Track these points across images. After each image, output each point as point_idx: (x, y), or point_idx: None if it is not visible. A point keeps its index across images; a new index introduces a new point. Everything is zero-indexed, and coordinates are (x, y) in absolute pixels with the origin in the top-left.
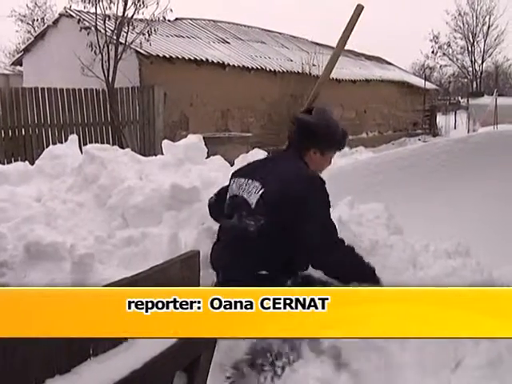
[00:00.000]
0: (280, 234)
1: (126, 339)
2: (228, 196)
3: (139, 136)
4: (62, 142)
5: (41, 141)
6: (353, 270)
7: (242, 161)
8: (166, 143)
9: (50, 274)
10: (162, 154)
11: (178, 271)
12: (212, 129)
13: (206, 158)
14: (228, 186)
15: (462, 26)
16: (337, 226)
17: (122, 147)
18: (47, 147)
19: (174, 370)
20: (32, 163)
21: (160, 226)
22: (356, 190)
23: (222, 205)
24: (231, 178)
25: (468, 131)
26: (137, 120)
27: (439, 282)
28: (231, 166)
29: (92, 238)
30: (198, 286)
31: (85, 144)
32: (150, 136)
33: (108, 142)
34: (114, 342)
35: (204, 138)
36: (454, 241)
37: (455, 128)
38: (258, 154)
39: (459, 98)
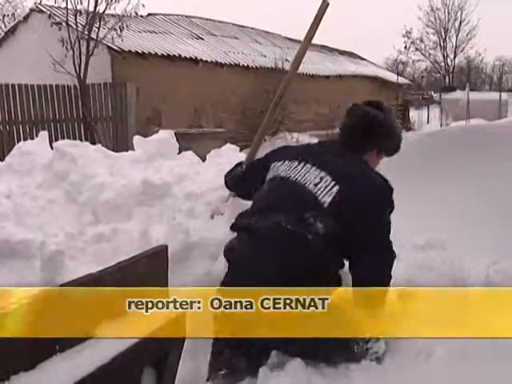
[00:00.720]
0: (343, 243)
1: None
2: (272, 176)
3: (112, 132)
4: (33, 139)
5: (12, 138)
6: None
7: (214, 155)
8: (137, 139)
9: (20, 272)
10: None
11: (146, 266)
12: (185, 124)
13: (179, 153)
14: (265, 161)
15: (434, 21)
16: None
17: (95, 143)
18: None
19: (142, 366)
20: (2, 160)
21: (131, 221)
22: None
23: (250, 183)
24: (276, 157)
25: (441, 125)
26: (109, 116)
27: (411, 275)
28: (203, 161)
29: (62, 235)
30: (166, 281)
31: (57, 140)
32: (122, 132)
33: (80, 138)
34: (80, 339)
35: (176, 133)
36: (427, 234)
37: (428, 122)
38: (231, 150)
39: (432, 92)
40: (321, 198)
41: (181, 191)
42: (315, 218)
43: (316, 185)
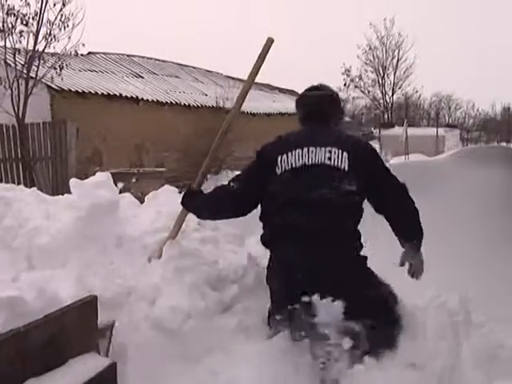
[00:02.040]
0: (370, 191)
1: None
2: (289, 167)
3: (51, 172)
4: None
5: None
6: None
7: (152, 198)
8: (73, 182)
9: None
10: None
11: (74, 318)
12: (126, 164)
13: (121, 193)
14: (259, 166)
15: (372, 59)
16: (246, 262)
17: (34, 184)
18: None
19: None
20: None
21: (66, 267)
22: None
23: (250, 192)
24: (277, 154)
25: None
26: (48, 156)
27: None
28: (141, 203)
29: None
30: (96, 333)
31: None
32: (62, 172)
33: (18, 179)
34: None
35: (117, 173)
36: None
37: None
38: (169, 191)
39: (372, 128)
40: (339, 165)
41: (117, 234)
42: (343, 181)
43: (329, 158)
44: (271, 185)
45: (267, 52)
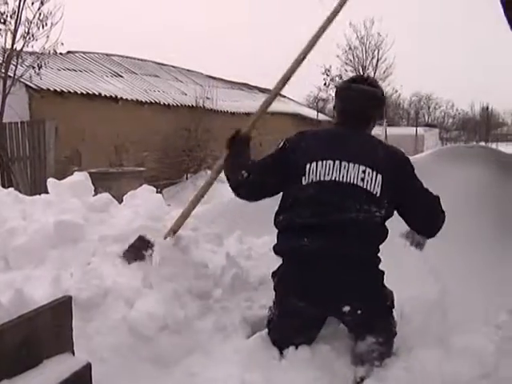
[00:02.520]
0: (401, 209)
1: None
2: (317, 179)
3: (30, 172)
4: None
5: None
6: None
7: (130, 198)
8: (51, 182)
9: None
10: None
11: (48, 319)
12: (105, 164)
13: (97, 193)
14: (285, 158)
15: (352, 59)
16: (225, 261)
17: (11, 184)
18: None
19: None
20: None
21: (43, 266)
22: (248, 222)
23: (265, 181)
24: (306, 160)
25: None
26: (27, 156)
27: None
28: (119, 202)
29: None
30: (71, 333)
31: None
32: (41, 172)
33: None
34: None
35: (96, 173)
36: None
37: None
38: (147, 191)
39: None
40: (372, 189)
41: (95, 235)
42: (373, 205)
43: (363, 179)
44: (293, 192)
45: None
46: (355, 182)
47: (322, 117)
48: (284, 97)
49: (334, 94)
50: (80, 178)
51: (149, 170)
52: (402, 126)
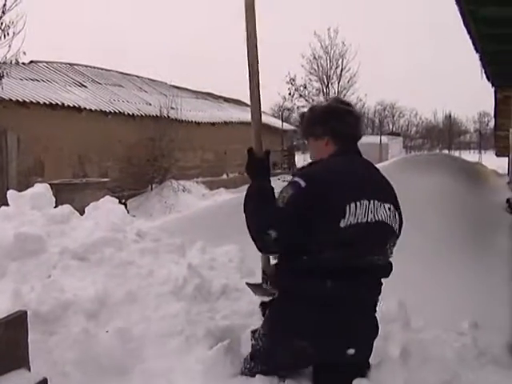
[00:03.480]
0: None
1: None
2: (355, 222)
3: None
4: None
5: None
6: None
7: (93, 208)
8: (11, 193)
9: None
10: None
11: (2, 334)
12: (69, 174)
13: (60, 204)
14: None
15: (316, 68)
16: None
17: None
18: None
19: None
20: None
21: (3, 279)
22: (212, 232)
23: (293, 236)
24: (346, 200)
25: None
26: None
27: None
28: (82, 214)
29: None
30: (27, 349)
31: None
32: (3, 183)
33: None
34: None
35: (59, 184)
36: None
37: None
38: (109, 202)
39: None
40: (394, 226)
41: (56, 247)
42: (394, 243)
43: (389, 216)
44: (325, 235)
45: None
46: (384, 220)
47: (287, 126)
48: (249, 106)
49: (324, 120)
50: (41, 189)
51: (113, 181)
52: (366, 135)
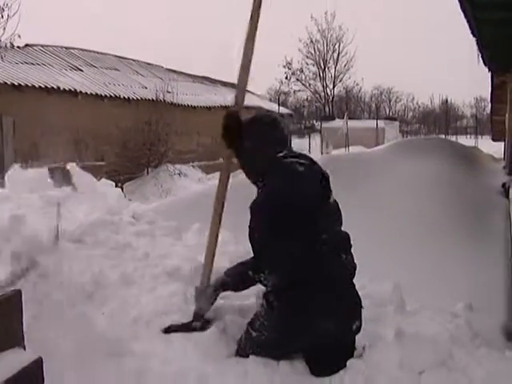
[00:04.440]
0: None
1: None
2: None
3: None
4: None
5: None
6: None
7: (89, 192)
8: (9, 176)
9: None
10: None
11: None
12: (65, 158)
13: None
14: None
15: (313, 52)
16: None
17: None
18: None
19: None
20: None
21: None
22: (208, 215)
23: None
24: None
25: (321, 153)
26: None
27: None
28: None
29: None
30: (21, 328)
31: None
32: None
33: None
34: None
35: (54, 168)
36: None
37: (309, 151)
38: (106, 185)
39: (313, 121)
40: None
41: (52, 229)
42: None
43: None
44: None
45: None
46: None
47: (283, 110)
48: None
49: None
50: (37, 173)
51: (109, 165)
52: (363, 120)
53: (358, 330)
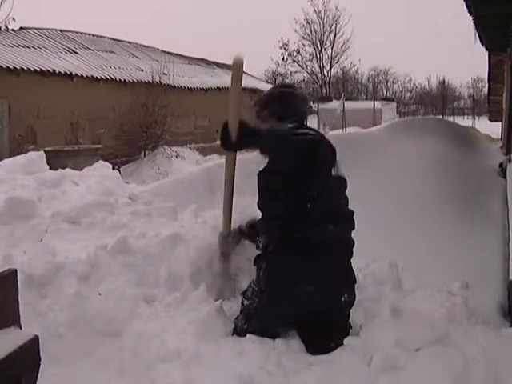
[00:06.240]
0: None
1: None
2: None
3: None
4: None
5: None
6: None
7: (85, 174)
8: (5, 161)
9: None
10: None
11: None
12: (61, 141)
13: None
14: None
15: (310, 33)
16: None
17: None
18: None
19: None
20: None
21: None
22: (204, 196)
23: None
24: (335, 156)
25: None
26: None
27: None
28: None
29: None
30: (17, 307)
31: None
32: None
33: None
34: None
35: (51, 151)
36: None
37: None
38: (103, 166)
39: (310, 102)
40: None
41: (48, 211)
42: None
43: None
44: (324, 183)
45: (241, 76)
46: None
47: None
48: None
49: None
50: (33, 156)
51: (105, 148)
52: (360, 101)
53: (350, 304)
